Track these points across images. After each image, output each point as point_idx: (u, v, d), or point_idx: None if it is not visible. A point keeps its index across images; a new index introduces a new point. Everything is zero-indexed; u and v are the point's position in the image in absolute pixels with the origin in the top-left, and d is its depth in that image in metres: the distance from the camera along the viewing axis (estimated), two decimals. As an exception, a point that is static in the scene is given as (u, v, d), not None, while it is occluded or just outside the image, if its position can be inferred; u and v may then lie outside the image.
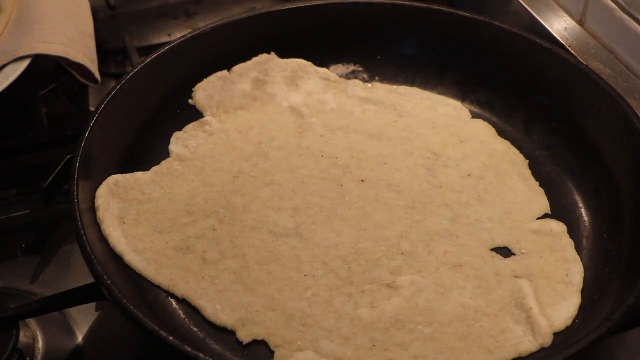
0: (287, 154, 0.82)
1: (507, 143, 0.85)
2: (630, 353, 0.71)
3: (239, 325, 0.66)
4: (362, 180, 0.80)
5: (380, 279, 0.70)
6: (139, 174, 0.78)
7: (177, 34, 1.07)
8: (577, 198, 0.79)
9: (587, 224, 0.77)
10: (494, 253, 0.73)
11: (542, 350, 0.65)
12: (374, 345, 0.65)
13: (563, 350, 0.58)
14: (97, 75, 0.90)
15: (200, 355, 0.56)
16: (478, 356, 0.64)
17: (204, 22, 1.03)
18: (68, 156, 0.74)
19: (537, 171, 0.82)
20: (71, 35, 0.89)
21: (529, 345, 0.65)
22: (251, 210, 0.76)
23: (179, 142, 0.83)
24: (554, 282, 0.70)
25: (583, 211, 0.78)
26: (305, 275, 0.70)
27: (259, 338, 0.66)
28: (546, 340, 0.65)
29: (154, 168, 0.79)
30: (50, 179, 0.76)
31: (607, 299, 0.67)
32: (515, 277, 0.70)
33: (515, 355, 0.64)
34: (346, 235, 0.74)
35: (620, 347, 0.71)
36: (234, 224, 0.74)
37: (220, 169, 0.80)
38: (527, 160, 0.83)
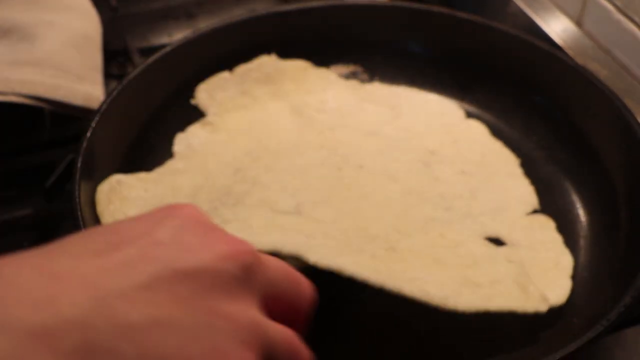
0: (287, 147, 0.83)
1: (499, 143, 0.86)
2: (628, 352, 0.71)
3: None
4: (360, 166, 0.81)
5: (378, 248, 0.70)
6: (142, 174, 0.78)
7: (178, 35, 1.07)
8: (575, 198, 0.80)
9: (584, 224, 0.77)
10: (487, 241, 0.74)
11: (537, 338, 0.66)
12: None
13: (560, 349, 0.59)
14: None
15: (202, 353, 0.57)
16: None
17: (204, 24, 1.03)
18: (70, 156, 0.75)
19: (535, 171, 0.83)
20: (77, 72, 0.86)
21: (524, 305, 0.65)
22: (252, 193, 0.76)
23: (182, 142, 0.83)
24: (544, 270, 0.71)
25: (580, 211, 0.79)
26: None
27: None
28: (541, 306, 0.65)
29: (158, 169, 0.80)
30: (52, 179, 0.76)
31: (604, 298, 0.67)
32: (509, 261, 0.71)
33: (507, 308, 0.64)
34: (345, 213, 0.75)
35: (617, 345, 0.72)
36: (237, 206, 0.75)
37: (223, 164, 0.81)
38: (519, 159, 0.84)
